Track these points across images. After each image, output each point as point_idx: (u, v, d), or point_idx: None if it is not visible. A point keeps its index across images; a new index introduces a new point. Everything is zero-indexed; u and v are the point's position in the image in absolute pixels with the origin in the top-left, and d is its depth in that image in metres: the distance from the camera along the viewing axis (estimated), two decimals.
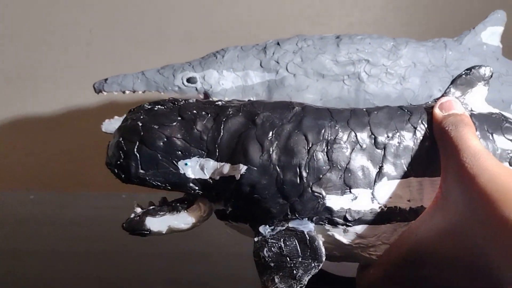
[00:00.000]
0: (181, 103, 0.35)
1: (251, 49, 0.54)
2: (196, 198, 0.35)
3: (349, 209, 0.32)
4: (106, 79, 0.55)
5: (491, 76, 0.35)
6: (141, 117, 0.34)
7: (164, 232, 0.34)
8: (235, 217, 0.34)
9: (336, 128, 0.33)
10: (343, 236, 0.33)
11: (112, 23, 0.77)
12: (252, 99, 0.53)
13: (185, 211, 0.34)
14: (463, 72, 0.35)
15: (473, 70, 0.35)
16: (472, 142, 0.30)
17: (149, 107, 0.35)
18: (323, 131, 0.33)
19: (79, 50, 0.77)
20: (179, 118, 0.33)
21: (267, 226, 0.33)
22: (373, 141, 0.33)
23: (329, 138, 0.32)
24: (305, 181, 0.32)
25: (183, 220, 0.34)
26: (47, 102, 0.79)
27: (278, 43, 0.54)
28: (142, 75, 0.54)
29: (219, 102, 0.35)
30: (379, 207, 0.32)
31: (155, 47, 0.77)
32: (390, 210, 0.33)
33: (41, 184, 0.80)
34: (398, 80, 0.53)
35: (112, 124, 0.55)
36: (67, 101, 0.79)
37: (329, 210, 0.32)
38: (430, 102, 0.36)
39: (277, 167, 0.32)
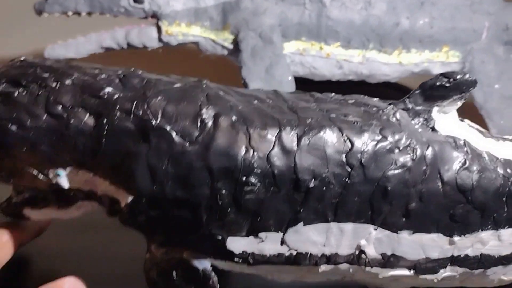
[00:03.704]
0: (52, 84, 0.26)
1: None
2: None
3: (253, 252, 0.27)
4: None
5: (474, 88, 0.29)
6: None
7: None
8: (125, 223, 0.28)
9: (252, 165, 0.25)
10: (246, 268, 0.29)
11: None
12: (205, 23, 0.48)
13: (72, 206, 0.29)
14: (440, 79, 0.28)
15: (455, 78, 0.28)
16: None
17: (6, 89, 0.26)
18: (233, 167, 0.25)
19: None
20: (46, 115, 0.26)
21: (160, 247, 0.28)
22: (294, 184, 0.26)
23: (239, 178, 0.25)
24: (204, 221, 0.26)
25: (66, 214, 0.29)
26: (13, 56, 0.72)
27: None
28: None
29: (104, 90, 0.26)
30: (288, 251, 0.28)
31: None
32: (299, 255, 0.28)
33: None
34: (363, 5, 0.48)
35: (55, 50, 0.49)
36: (25, 43, 0.72)
37: (230, 252, 0.27)
38: (383, 112, 0.28)
39: (172, 203, 0.26)
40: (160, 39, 0.49)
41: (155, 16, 0.48)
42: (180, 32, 0.48)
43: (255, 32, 0.47)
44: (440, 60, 0.50)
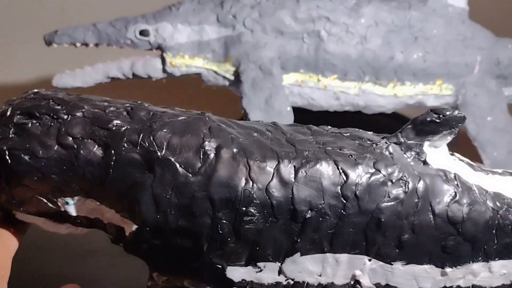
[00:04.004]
0: (63, 116, 0.27)
1: (208, 3, 0.49)
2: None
3: (251, 281, 0.28)
4: (56, 31, 0.50)
5: (463, 124, 0.30)
6: (10, 136, 0.27)
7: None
8: (129, 251, 0.29)
9: (251, 195, 0.26)
10: None
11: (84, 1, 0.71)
12: (208, 56, 0.50)
13: (63, 224, 0.29)
14: (431, 115, 0.29)
15: (445, 114, 0.29)
16: None
17: (20, 121, 0.27)
18: (234, 198, 0.26)
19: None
20: (57, 146, 0.27)
21: (162, 275, 0.28)
22: (291, 215, 0.27)
23: (239, 208, 0.26)
24: (205, 250, 0.27)
25: (54, 228, 0.30)
26: (10, 72, 0.74)
27: None
28: (93, 27, 0.50)
29: (113, 123, 0.27)
30: (286, 280, 0.28)
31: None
32: (296, 284, 0.28)
33: None
34: (359, 39, 0.49)
35: (63, 79, 0.51)
36: (34, 72, 0.74)
37: (230, 281, 0.28)
38: (377, 145, 0.29)
39: (174, 232, 0.27)
40: (164, 70, 0.50)
41: (160, 48, 0.50)
42: (183, 63, 0.50)
43: (255, 64, 0.49)
44: (433, 93, 0.52)
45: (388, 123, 0.58)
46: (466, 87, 0.52)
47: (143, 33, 0.49)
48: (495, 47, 0.53)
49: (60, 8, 0.71)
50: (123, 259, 0.42)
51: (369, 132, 0.32)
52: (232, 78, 0.50)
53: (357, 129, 0.32)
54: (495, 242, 0.30)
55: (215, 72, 0.50)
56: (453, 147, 0.33)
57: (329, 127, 0.32)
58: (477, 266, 0.30)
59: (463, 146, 0.45)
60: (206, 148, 0.27)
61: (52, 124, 0.27)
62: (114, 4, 0.70)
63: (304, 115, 0.49)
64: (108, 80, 0.51)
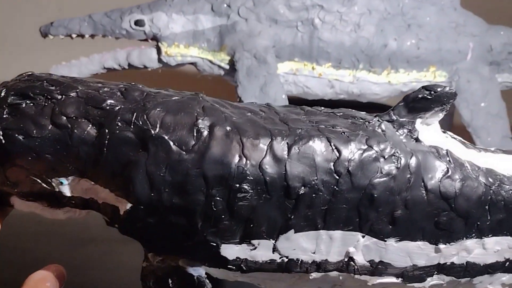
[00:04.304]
0: (57, 97, 0.27)
1: None
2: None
3: (246, 259, 0.28)
4: (52, 22, 0.51)
5: (454, 100, 0.30)
6: (4, 116, 0.27)
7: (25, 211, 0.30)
8: (124, 232, 0.28)
9: (245, 172, 0.26)
10: (239, 276, 0.30)
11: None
12: (203, 45, 0.50)
13: (61, 209, 0.29)
14: (422, 92, 0.29)
15: (436, 90, 0.29)
16: None
17: (14, 101, 0.27)
18: (227, 174, 0.26)
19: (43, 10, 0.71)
20: (51, 125, 0.27)
21: (156, 255, 0.28)
22: (285, 191, 0.27)
23: (233, 185, 0.26)
24: (199, 228, 0.27)
25: (52, 214, 0.30)
26: (7, 67, 0.74)
27: None
28: (89, 18, 0.50)
29: (107, 102, 0.27)
30: (280, 258, 0.28)
31: None
32: (290, 262, 0.29)
33: None
34: (352, 27, 0.50)
35: (59, 70, 0.51)
36: (31, 65, 0.73)
37: (224, 259, 0.28)
38: (369, 123, 0.29)
39: (168, 210, 0.27)
40: (159, 60, 0.50)
41: (155, 38, 0.50)
42: (179, 53, 0.50)
43: (250, 53, 0.49)
44: (427, 80, 0.52)
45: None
46: (459, 74, 0.52)
47: (138, 23, 0.49)
48: (487, 34, 0.53)
49: (57, 8, 0.71)
50: (120, 246, 0.42)
51: (362, 112, 0.32)
52: (227, 67, 0.50)
53: (350, 109, 0.32)
54: (488, 218, 0.30)
55: (210, 61, 0.51)
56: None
57: (322, 107, 0.32)
58: (470, 243, 0.30)
59: (457, 133, 0.46)
60: (200, 126, 0.27)
61: (46, 104, 0.27)
62: (111, 3, 0.70)
63: (299, 105, 0.49)
64: (104, 70, 0.51)
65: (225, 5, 0.49)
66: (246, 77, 0.48)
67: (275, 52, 0.49)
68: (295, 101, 0.52)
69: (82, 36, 0.51)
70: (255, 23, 0.49)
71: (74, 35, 0.50)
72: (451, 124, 0.58)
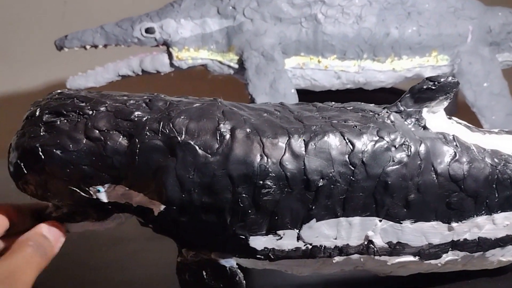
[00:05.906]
0: (89, 112, 0.29)
1: None
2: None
3: (273, 248, 0.30)
4: (66, 36, 0.52)
5: (457, 89, 0.31)
6: (41, 133, 0.29)
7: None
8: (158, 231, 0.31)
9: (267, 170, 0.28)
10: (267, 264, 0.31)
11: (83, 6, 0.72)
12: (212, 47, 0.52)
13: (106, 220, 0.31)
14: (427, 83, 0.31)
15: (440, 81, 0.31)
16: None
17: (49, 119, 0.29)
18: (251, 173, 0.28)
19: (54, 23, 0.73)
20: (85, 139, 0.29)
21: (190, 250, 0.30)
22: (305, 184, 0.29)
23: (256, 182, 0.28)
24: (228, 223, 0.29)
25: (102, 225, 0.32)
26: (24, 78, 0.75)
27: None
28: (101, 29, 0.51)
29: (134, 114, 0.29)
30: (304, 245, 0.30)
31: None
32: (314, 248, 0.30)
33: None
34: (354, 19, 0.51)
35: (76, 80, 0.53)
36: (46, 76, 0.75)
37: (253, 249, 0.30)
38: (379, 115, 0.31)
39: (199, 209, 0.29)
40: (171, 64, 0.52)
41: (166, 44, 0.51)
42: (189, 56, 0.51)
43: (257, 51, 0.50)
44: (430, 64, 0.53)
45: (387, 98, 0.59)
46: (461, 56, 0.53)
47: (149, 30, 0.51)
48: (485, 15, 0.54)
49: (61, 14, 0.72)
50: (150, 244, 0.44)
51: (371, 105, 0.34)
52: (236, 66, 0.52)
53: (359, 103, 0.34)
54: (496, 195, 0.31)
55: (220, 62, 0.52)
56: (453, 115, 0.34)
57: (333, 102, 0.34)
58: (481, 219, 0.32)
59: (463, 114, 0.47)
60: (222, 130, 0.29)
61: (79, 119, 0.29)
62: (114, 8, 0.71)
63: (308, 97, 0.50)
64: (119, 78, 0.53)
65: (231, 7, 0.50)
66: (256, 75, 0.50)
67: (281, 49, 0.51)
68: (303, 93, 0.53)
69: (96, 46, 0.52)
70: (261, 22, 0.50)
71: (88, 46, 0.52)
72: (456, 105, 0.59)
